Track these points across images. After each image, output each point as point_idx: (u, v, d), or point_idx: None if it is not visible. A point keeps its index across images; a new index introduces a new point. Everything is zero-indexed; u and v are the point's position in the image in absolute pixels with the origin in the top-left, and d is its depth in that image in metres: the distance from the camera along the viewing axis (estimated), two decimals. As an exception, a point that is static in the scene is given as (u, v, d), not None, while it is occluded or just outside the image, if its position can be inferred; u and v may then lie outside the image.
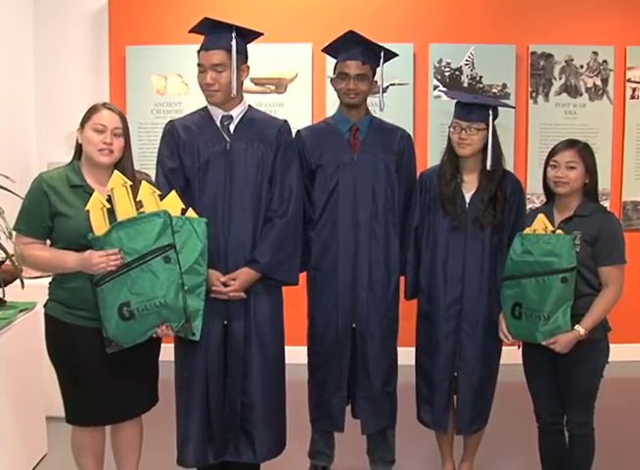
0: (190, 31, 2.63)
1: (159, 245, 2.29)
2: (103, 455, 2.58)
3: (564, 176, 2.56)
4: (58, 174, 2.40)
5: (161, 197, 2.39)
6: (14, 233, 2.40)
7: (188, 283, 2.36)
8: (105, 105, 2.42)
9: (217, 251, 2.55)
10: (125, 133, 2.42)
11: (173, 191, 2.44)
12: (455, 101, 2.78)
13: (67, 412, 2.46)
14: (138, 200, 2.33)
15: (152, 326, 2.34)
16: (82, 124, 2.40)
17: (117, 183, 2.30)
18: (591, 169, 2.58)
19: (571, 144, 2.61)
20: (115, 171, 2.34)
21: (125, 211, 2.30)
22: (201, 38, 2.62)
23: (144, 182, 2.37)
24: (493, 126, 2.69)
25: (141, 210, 2.33)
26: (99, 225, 2.28)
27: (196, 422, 2.61)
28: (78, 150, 2.44)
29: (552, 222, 2.57)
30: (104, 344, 2.31)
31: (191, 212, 2.43)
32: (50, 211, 2.34)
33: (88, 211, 2.27)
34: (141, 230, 2.29)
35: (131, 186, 2.31)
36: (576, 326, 2.48)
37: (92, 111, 2.40)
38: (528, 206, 4.31)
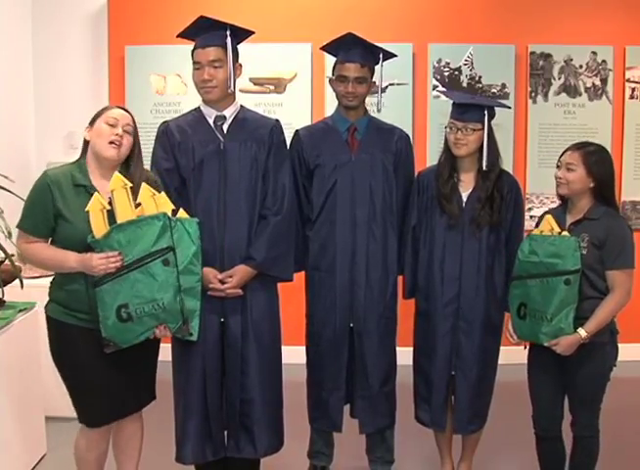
0: (180, 35, 2.63)
1: (157, 248, 2.30)
2: (106, 457, 2.57)
3: (562, 177, 2.56)
4: (63, 172, 2.40)
5: None
6: (13, 232, 2.41)
7: (184, 284, 2.36)
8: (117, 106, 2.48)
9: (214, 249, 2.57)
10: (135, 134, 2.44)
11: (162, 192, 2.42)
12: (451, 101, 2.78)
13: (79, 414, 2.46)
14: (137, 202, 2.33)
15: (150, 327, 2.34)
16: (92, 122, 2.41)
17: (118, 185, 2.30)
18: (595, 174, 2.53)
19: (579, 147, 2.58)
20: (116, 173, 2.33)
21: (125, 213, 2.30)
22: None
23: (144, 184, 2.37)
24: (489, 126, 2.69)
25: (140, 211, 2.33)
26: (98, 227, 2.27)
27: (194, 419, 2.62)
28: (85, 148, 2.45)
29: (563, 224, 2.56)
30: (102, 345, 2.31)
31: (182, 213, 2.43)
32: (54, 210, 2.33)
33: (88, 212, 2.27)
34: (140, 233, 2.29)
35: (131, 188, 2.31)
36: (579, 329, 2.48)
37: (104, 109, 2.44)
38: (527, 206, 4.34)
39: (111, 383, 2.40)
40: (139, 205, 2.33)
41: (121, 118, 2.40)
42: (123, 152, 2.40)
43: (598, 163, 2.55)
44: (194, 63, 2.59)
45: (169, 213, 2.38)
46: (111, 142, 2.36)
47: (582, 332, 2.47)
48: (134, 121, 2.45)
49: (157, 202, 2.35)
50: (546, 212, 2.70)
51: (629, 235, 2.55)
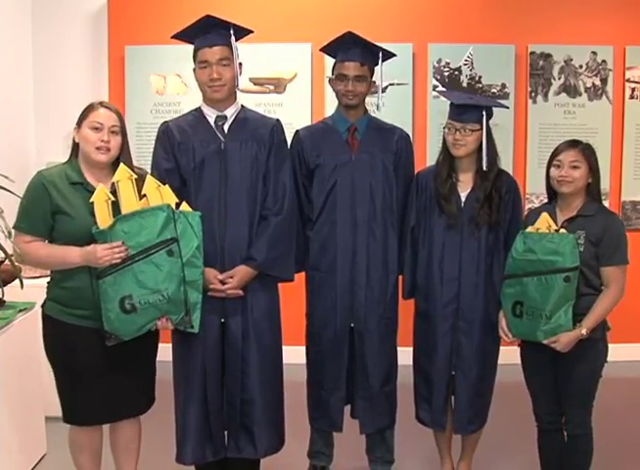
0: (178, 35, 2.63)
1: (162, 238, 2.31)
2: (100, 454, 2.59)
3: (568, 175, 2.56)
4: (57, 171, 2.40)
5: None
6: (13, 232, 2.41)
7: (187, 276, 2.37)
8: (102, 103, 2.43)
9: (214, 249, 2.57)
10: (123, 131, 2.43)
11: (167, 185, 2.43)
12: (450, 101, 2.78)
13: (64, 412, 2.47)
14: (142, 193, 2.34)
15: (152, 319, 2.35)
16: (79, 123, 2.40)
17: (123, 176, 2.31)
18: (594, 169, 2.59)
19: (574, 144, 2.62)
20: (122, 164, 2.34)
21: (130, 203, 2.31)
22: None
23: (149, 176, 2.38)
24: (487, 127, 2.69)
25: (145, 203, 2.33)
26: (103, 218, 2.28)
27: (194, 420, 2.62)
28: (75, 149, 2.44)
29: (555, 222, 2.57)
30: (103, 338, 2.31)
31: (185, 206, 2.44)
32: (52, 208, 2.33)
33: (92, 203, 2.28)
34: (145, 224, 2.30)
35: (136, 179, 2.32)
36: (578, 325, 2.49)
37: (89, 109, 2.40)
38: (527, 206, 4.34)
39: (106, 384, 2.40)
40: (144, 196, 2.34)
41: (106, 121, 2.37)
42: (113, 154, 2.39)
43: (595, 158, 2.61)
44: (199, 62, 2.58)
45: (173, 206, 2.39)
46: (98, 148, 2.36)
47: (582, 328, 2.48)
48: (121, 118, 2.42)
49: (161, 193, 2.37)
50: (533, 211, 2.72)
51: (623, 231, 2.59)
